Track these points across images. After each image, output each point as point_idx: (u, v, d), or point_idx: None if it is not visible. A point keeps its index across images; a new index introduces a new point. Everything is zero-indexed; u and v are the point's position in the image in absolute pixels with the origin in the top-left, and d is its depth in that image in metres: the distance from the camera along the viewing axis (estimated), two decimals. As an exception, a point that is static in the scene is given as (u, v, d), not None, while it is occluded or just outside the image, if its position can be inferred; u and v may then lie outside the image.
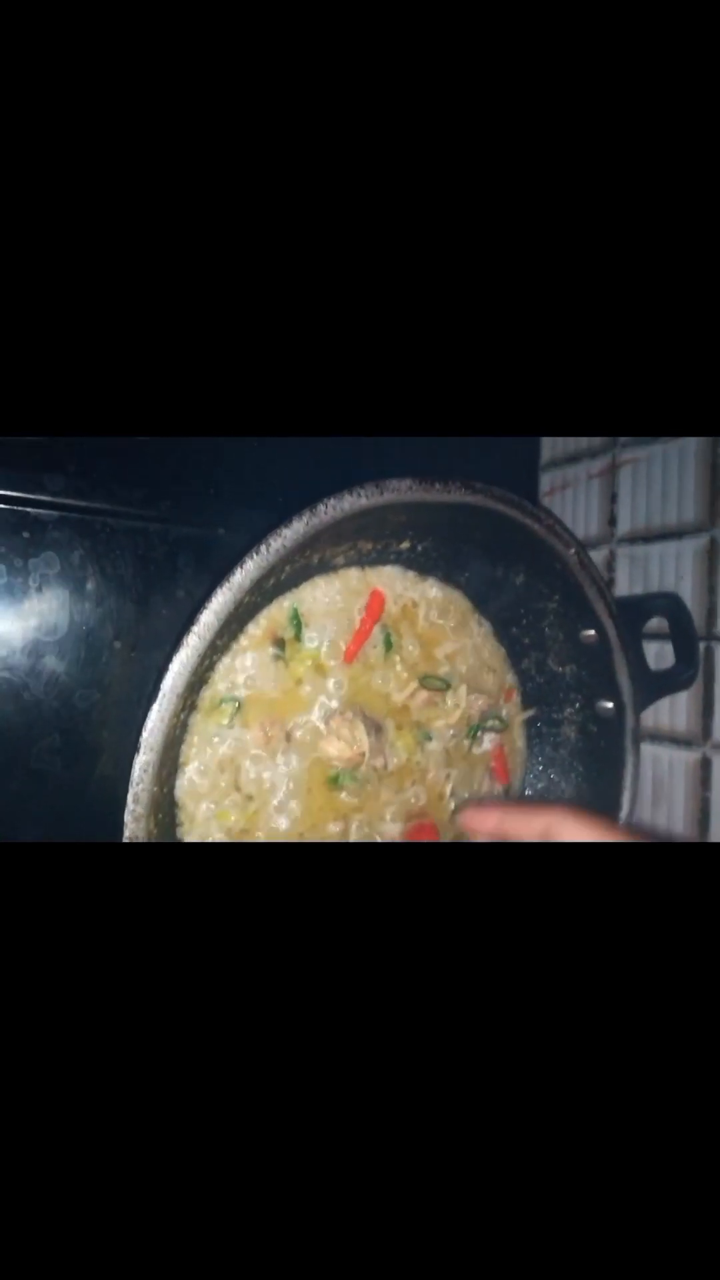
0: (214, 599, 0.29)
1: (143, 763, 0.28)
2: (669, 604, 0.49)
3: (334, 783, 0.41)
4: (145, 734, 0.28)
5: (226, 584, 0.29)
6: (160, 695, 0.28)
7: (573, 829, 0.30)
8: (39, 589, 0.42)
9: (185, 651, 0.28)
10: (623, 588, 0.59)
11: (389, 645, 0.43)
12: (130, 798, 0.28)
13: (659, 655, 0.52)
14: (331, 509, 0.32)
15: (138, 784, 0.28)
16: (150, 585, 0.45)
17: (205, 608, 0.29)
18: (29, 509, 0.41)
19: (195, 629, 0.29)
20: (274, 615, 0.40)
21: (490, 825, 0.33)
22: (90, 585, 0.43)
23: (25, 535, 0.41)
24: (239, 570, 0.30)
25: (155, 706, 0.28)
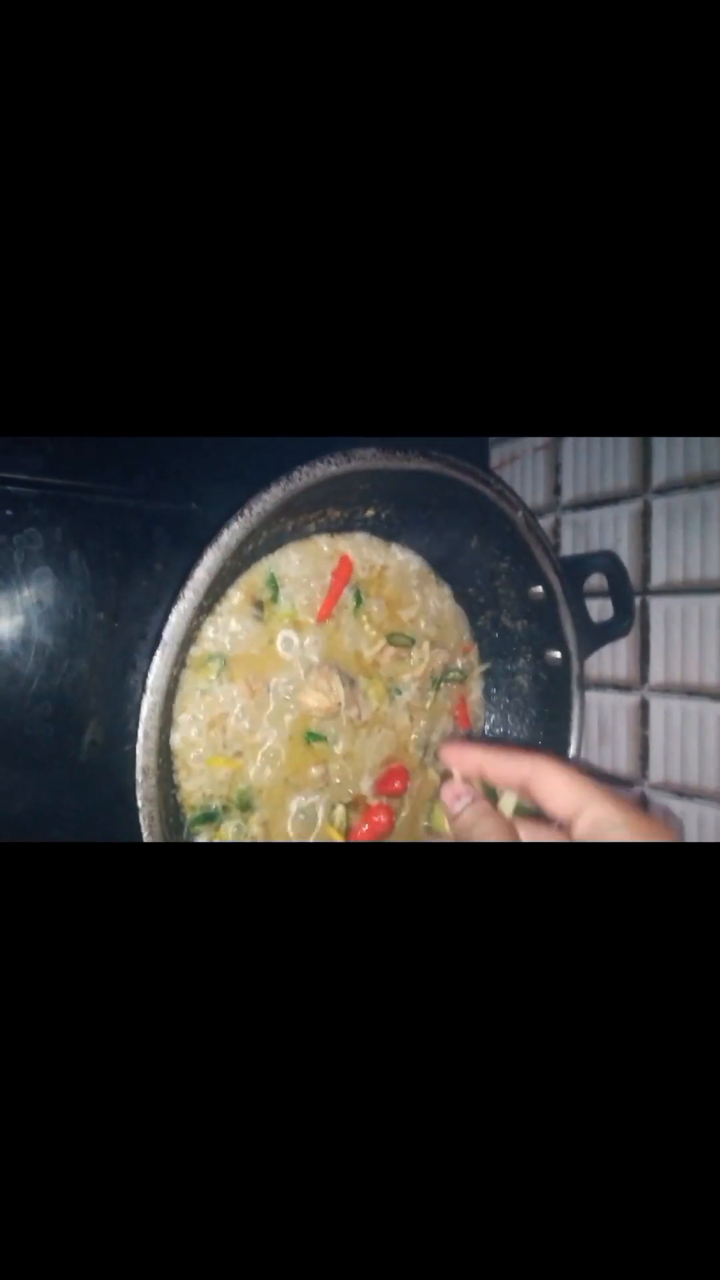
0: (205, 557, 0.32)
1: (150, 704, 0.31)
2: (608, 562, 0.53)
3: (312, 736, 0.45)
4: (151, 678, 0.31)
5: (215, 544, 0.33)
6: (162, 644, 0.31)
7: (552, 776, 0.30)
8: (24, 564, 0.44)
9: (183, 604, 0.32)
10: (567, 549, 0.64)
11: (359, 602, 0.46)
12: (141, 734, 0.31)
13: (599, 610, 0.57)
14: (305, 475, 0.36)
15: (146, 721, 0.31)
16: (129, 559, 0.48)
17: (198, 565, 0.32)
18: (10, 487, 0.43)
19: (190, 584, 0.32)
20: (252, 580, 0.43)
21: (471, 765, 0.33)
22: (73, 559, 0.46)
23: (9, 513, 0.43)
24: (225, 532, 0.33)
25: (159, 653, 0.31)
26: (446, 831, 0.33)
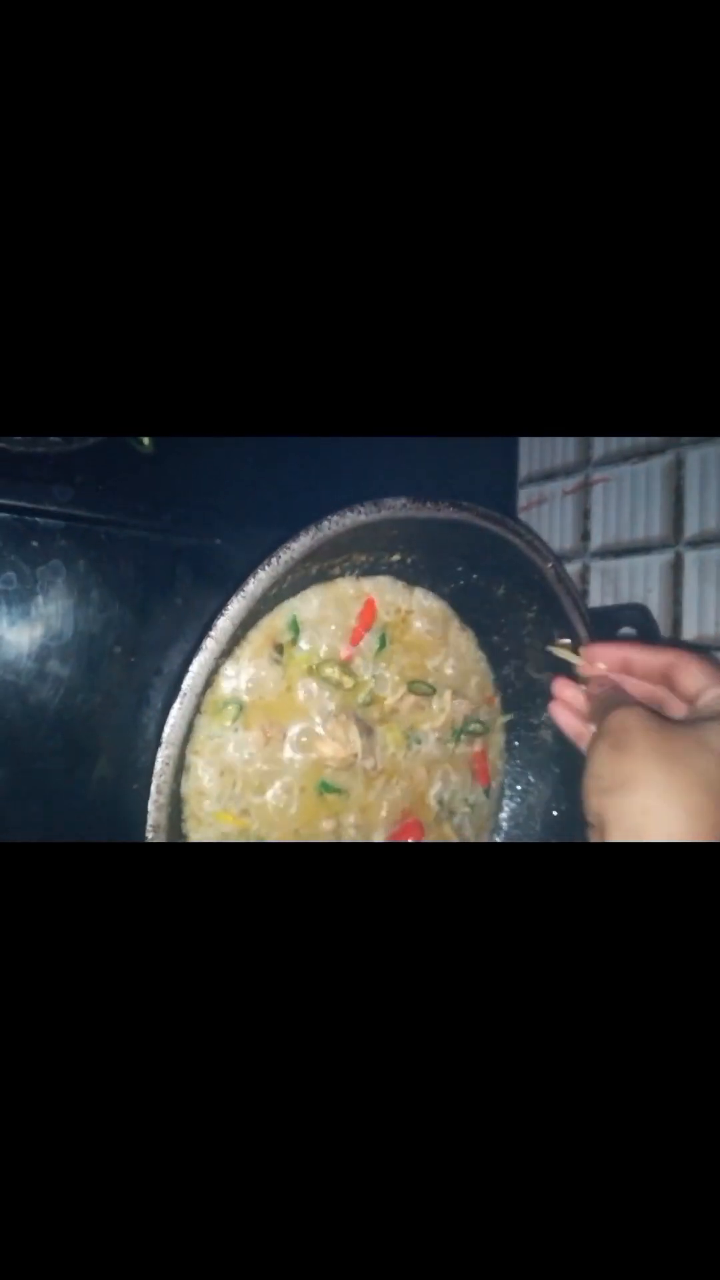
0: (230, 606, 0.31)
1: (164, 756, 0.30)
2: (638, 614, 0.52)
3: (326, 787, 0.43)
4: (168, 730, 0.30)
5: (241, 593, 0.32)
6: (181, 694, 0.30)
7: (692, 663, 0.34)
8: (45, 595, 0.43)
9: (204, 655, 0.31)
10: (595, 599, 0.63)
11: (382, 645, 0.45)
12: (154, 789, 0.30)
13: (628, 663, 0.56)
14: (334, 524, 0.35)
15: (160, 776, 0.30)
16: (150, 593, 0.47)
17: (223, 614, 0.31)
18: (38, 519, 0.43)
19: (213, 634, 0.31)
20: (274, 622, 0.42)
21: (616, 658, 0.38)
22: (94, 593, 0.45)
23: (34, 544, 0.43)
24: (252, 580, 0.32)
25: (177, 704, 0.30)
26: None
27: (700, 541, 0.57)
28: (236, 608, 0.31)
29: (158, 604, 0.48)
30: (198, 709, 0.37)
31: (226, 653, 0.38)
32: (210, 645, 0.31)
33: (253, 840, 0.41)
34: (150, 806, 0.30)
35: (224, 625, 0.31)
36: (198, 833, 0.38)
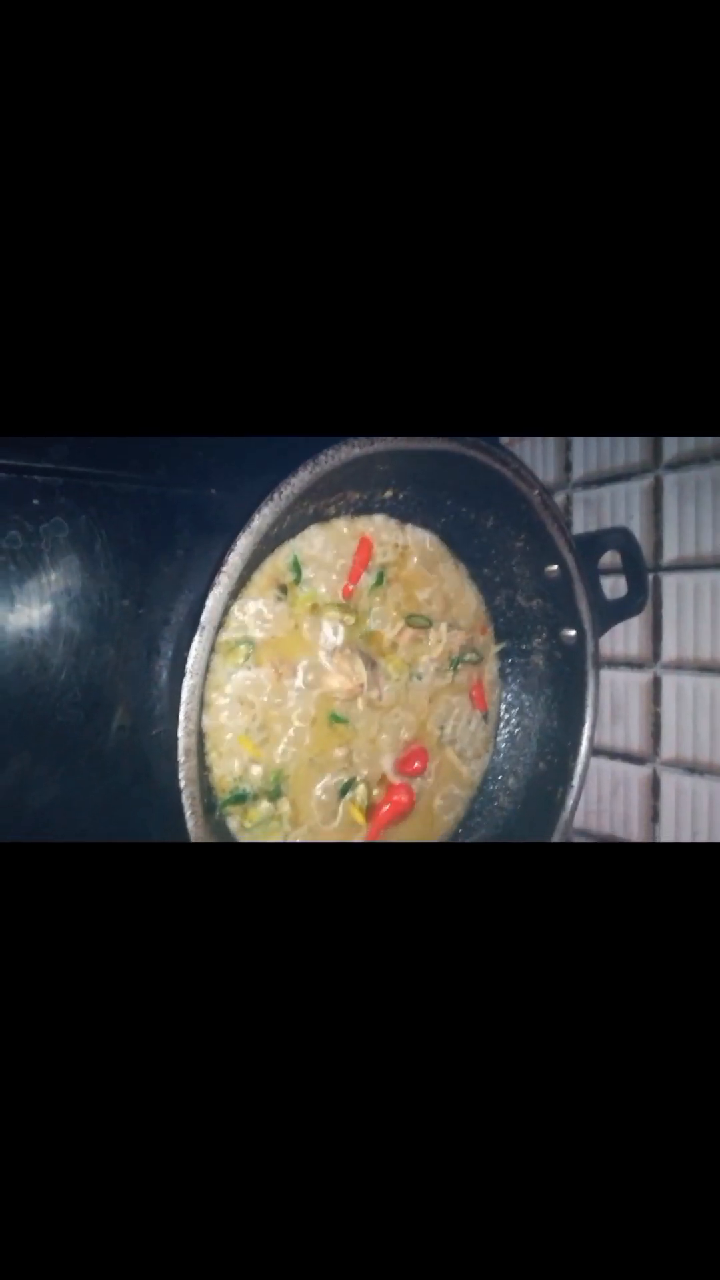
0: (239, 542, 0.33)
1: (189, 686, 0.32)
2: (622, 539, 0.54)
3: (335, 718, 0.46)
4: (190, 661, 0.32)
5: (247, 529, 0.33)
6: (200, 628, 0.32)
7: None
8: (52, 553, 0.44)
9: (219, 589, 0.32)
10: (578, 526, 0.65)
11: (379, 583, 0.47)
12: (182, 715, 0.32)
13: (612, 587, 0.58)
14: (331, 458, 0.36)
15: (187, 703, 0.32)
16: (152, 545, 0.48)
17: (232, 550, 0.33)
18: (36, 476, 0.44)
19: (225, 569, 0.33)
20: (276, 563, 0.44)
21: None
22: (98, 547, 0.46)
23: (35, 502, 0.44)
24: (257, 516, 0.34)
25: (197, 638, 0.32)
26: None
27: (678, 464, 0.58)
28: (245, 543, 0.33)
29: (161, 555, 0.49)
30: (212, 648, 0.39)
31: (235, 592, 0.40)
32: (223, 580, 0.33)
33: (271, 769, 0.43)
34: (180, 732, 0.32)
35: (234, 561, 0.33)
36: (220, 765, 0.40)
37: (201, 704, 0.36)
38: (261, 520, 0.33)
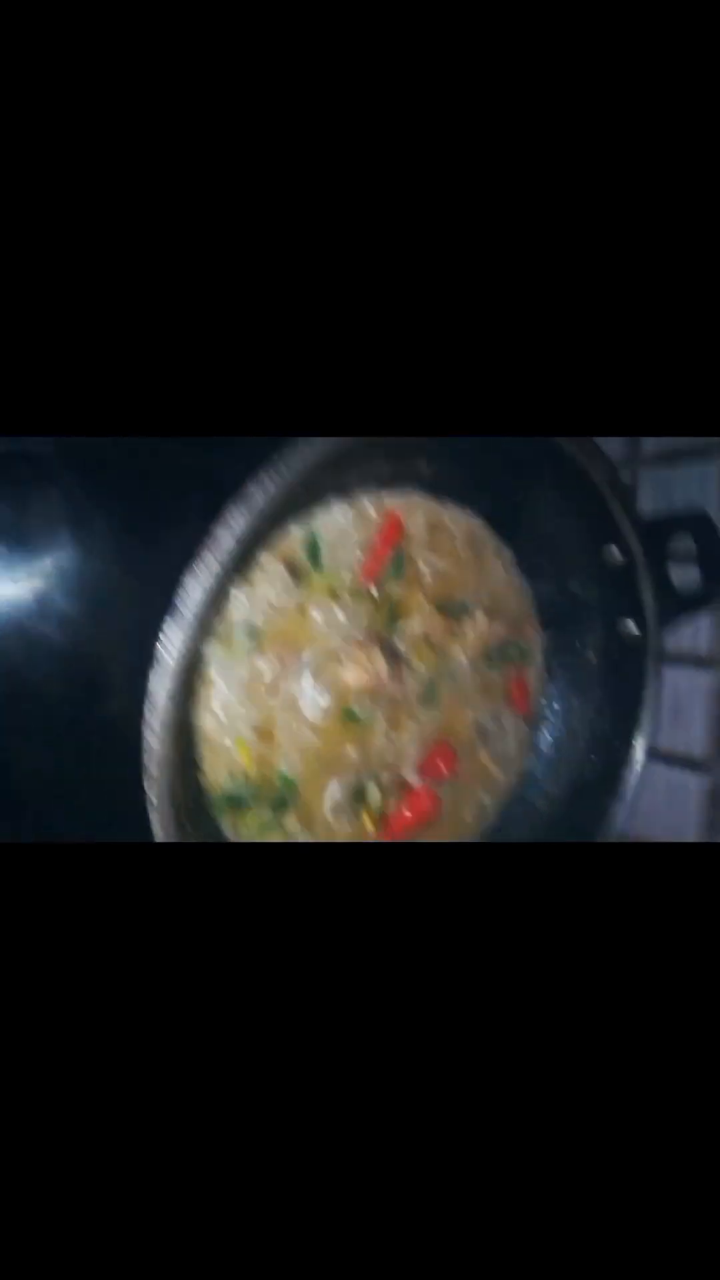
0: (231, 517, 0.28)
1: (159, 681, 0.28)
2: (696, 522, 0.48)
3: (349, 714, 0.41)
4: (162, 650, 0.27)
5: (243, 503, 0.29)
6: (178, 615, 0.28)
7: None
8: (45, 526, 0.41)
9: (203, 570, 0.28)
10: (646, 508, 0.58)
11: (399, 569, 0.42)
12: (146, 710, 0.28)
13: (681, 578, 0.51)
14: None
15: (155, 699, 0.27)
16: (158, 521, 0.45)
17: (221, 525, 0.28)
18: (29, 445, 0.40)
19: (211, 547, 0.28)
20: (288, 542, 0.39)
21: None
22: (97, 522, 0.43)
23: (29, 471, 0.40)
24: (256, 489, 0.29)
25: (174, 625, 0.27)
26: None
27: (767, 438, 0.51)
28: (238, 519, 0.28)
29: (168, 531, 0.45)
30: (206, 633, 0.35)
31: (234, 572, 0.36)
32: (209, 560, 0.28)
33: (274, 771, 0.39)
34: (146, 732, 0.27)
35: (224, 538, 0.28)
36: (212, 764, 0.36)
37: (188, 699, 0.32)
38: (261, 493, 0.28)
